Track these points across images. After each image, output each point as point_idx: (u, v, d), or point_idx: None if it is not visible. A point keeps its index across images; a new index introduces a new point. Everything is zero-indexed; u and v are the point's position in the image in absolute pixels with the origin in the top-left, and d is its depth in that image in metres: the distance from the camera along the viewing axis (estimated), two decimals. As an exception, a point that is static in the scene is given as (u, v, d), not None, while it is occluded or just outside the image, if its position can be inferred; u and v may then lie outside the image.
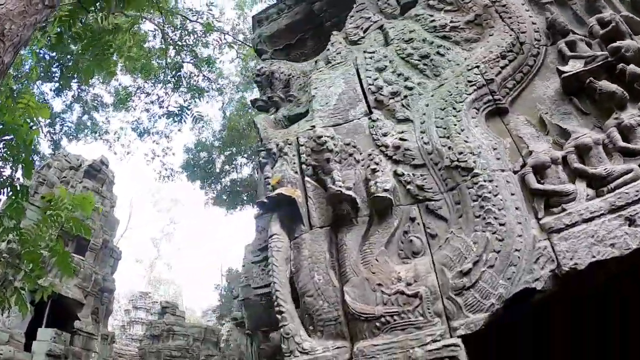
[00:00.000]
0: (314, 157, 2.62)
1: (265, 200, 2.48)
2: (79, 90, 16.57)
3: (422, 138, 2.66)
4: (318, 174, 2.61)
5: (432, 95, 2.84)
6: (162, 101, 16.08)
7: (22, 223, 4.95)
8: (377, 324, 2.17)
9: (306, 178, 2.61)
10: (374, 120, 2.87)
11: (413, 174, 2.57)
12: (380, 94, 2.96)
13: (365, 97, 3.03)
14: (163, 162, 19.07)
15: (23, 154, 4.38)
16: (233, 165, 21.74)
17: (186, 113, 9.71)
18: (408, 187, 2.54)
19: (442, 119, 2.70)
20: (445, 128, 2.66)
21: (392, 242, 2.42)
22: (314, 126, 2.77)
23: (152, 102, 15.91)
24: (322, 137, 2.66)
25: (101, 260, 15.77)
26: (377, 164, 2.59)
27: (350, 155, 2.66)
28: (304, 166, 2.69)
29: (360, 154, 2.71)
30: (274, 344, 4.22)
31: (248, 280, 4.19)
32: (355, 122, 2.87)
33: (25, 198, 4.62)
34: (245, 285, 4.13)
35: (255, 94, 24.29)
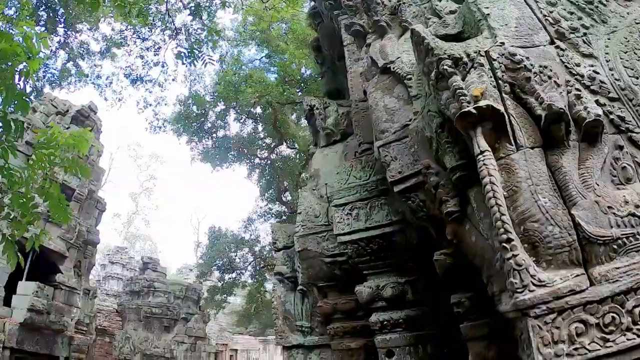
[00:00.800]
0: (510, 75, 2.27)
1: (474, 111, 1.96)
2: (65, 36, 15.26)
3: (612, 74, 2.42)
4: (516, 92, 2.28)
5: (609, 39, 2.61)
6: (159, 48, 14.92)
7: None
8: (614, 246, 2.01)
9: (504, 95, 2.07)
10: (562, 49, 2.38)
11: (612, 106, 2.34)
12: (560, 27, 2.65)
13: (544, 27, 2.56)
14: (155, 112, 18.01)
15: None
16: (225, 121, 20.77)
17: (197, 54, 8.71)
18: (610, 117, 2.33)
19: (628, 61, 2.50)
20: (632, 69, 2.45)
21: (603, 168, 2.23)
22: (503, 43, 2.21)
23: (147, 49, 14.72)
24: (516, 55, 2.30)
25: (86, 211, 14.83)
26: (579, 90, 2.30)
27: (550, 78, 2.28)
28: (500, 82, 2.27)
29: (558, 78, 2.29)
30: (334, 301, 3.62)
31: (310, 229, 3.55)
32: (542, 48, 2.51)
33: (20, 135, 4.10)
34: (305, 235, 3.49)
35: (252, 50, 23.05)
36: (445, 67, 2.22)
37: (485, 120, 2.17)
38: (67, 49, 15.70)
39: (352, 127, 4.53)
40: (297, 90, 18.90)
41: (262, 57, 21.01)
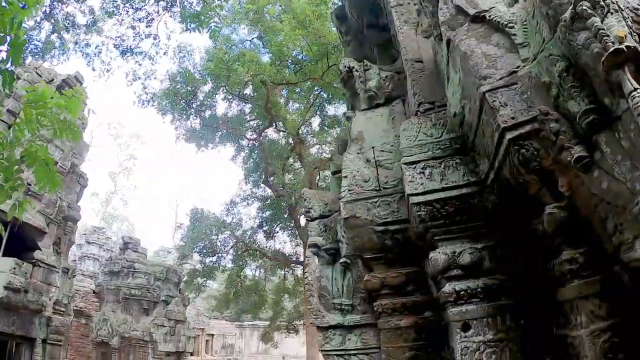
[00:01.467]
0: (636, 27, 2.00)
1: (625, 49, 1.66)
2: (51, 6, 14.44)
3: None
4: (640, 45, 1.99)
5: None
6: (151, 19, 14.24)
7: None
8: None
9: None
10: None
11: None
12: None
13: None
14: (144, 85, 17.30)
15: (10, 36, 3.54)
16: (214, 100, 20.16)
17: (203, 19, 8.15)
18: None
19: None
20: None
21: None
22: (627, -5, 1.93)
23: (139, 20, 14.02)
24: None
25: (67, 185, 14.10)
26: None
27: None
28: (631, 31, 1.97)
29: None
30: (382, 275, 3.31)
31: (359, 194, 3.23)
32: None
33: (9, 86, 3.82)
34: (353, 201, 3.16)
35: (245, 31, 22.38)
36: (584, 7, 1.94)
37: (629, 62, 1.89)
38: (52, 20, 14.87)
39: (397, 91, 4.27)
40: (292, 72, 18.39)
41: (254, 38, 20.43)
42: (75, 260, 26.20)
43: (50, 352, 13.17)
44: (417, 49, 3.83)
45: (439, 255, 2.84)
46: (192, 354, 25.19)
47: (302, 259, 29.62)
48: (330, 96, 25.54)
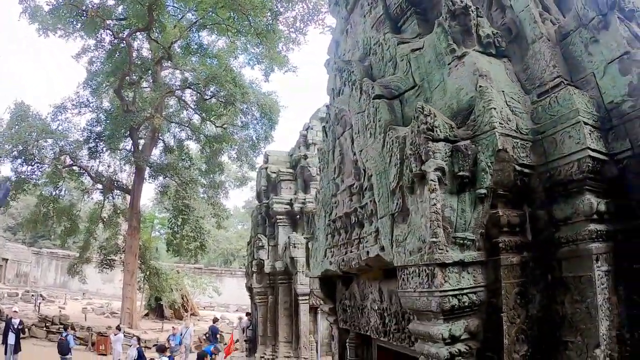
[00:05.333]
0: None
1: None
2: None
3: None
4: None
5: None
6: None
7: None
8: None
9: None
10: None
11: None
12: None
13: None
14: None
15: None
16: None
17: None
18: None
19: None
20: None
21: None
22: None
23: None
24: None
25: None
26: None
27: None
28: None
29: None
30: (507, 213, 3.36)
31: (509, 131, 3.28)
32: None
33: None
34: (505, 135, 3.12)
35: None
36: None
37: None
38: None
39: (504, 51, 4.17)
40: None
41: None
42: None
43: None
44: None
45: (583, 203, 3.17)
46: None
47: (130, 187, 27.06)
48: (212, 26, 23.45)
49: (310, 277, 6.74)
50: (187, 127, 27.72)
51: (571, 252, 3.25)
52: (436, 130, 3.33)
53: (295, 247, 14.38)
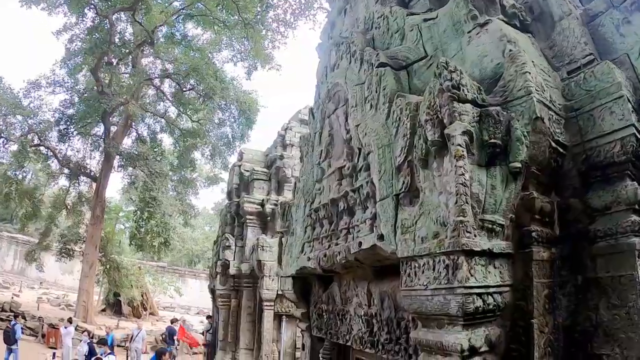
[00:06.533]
0: None
1: None
2: None
3: None
4: None
5: None
6: None
7: None
8: None
9: None
10: None
11: None
12: None
13: None
14: None
15: None
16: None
17: None
18: None
19: None
20: None
21: None
22: None
23: None
24: None
25: None
26: None
27: None
28: None
29: None
30: (540, 197, 2.85)
31: (544, 99, 2.76)
32: None
33: None
34: (540, 102, 2.66)
35: None
36: None
37: None
38: None
39: (528, 27, 3.76)
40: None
41: None
42: None
43: None
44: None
45: (626, 189, 2.72)
46: None
47: (97, 174, 25.81)
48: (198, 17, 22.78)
49: (282, 277, 5.99)
50: (163, 118, 26.67)
51: (609, 247, 2.76)
52: (463, 89, 2.75)
53: (263, 249, 13.62)
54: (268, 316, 13.43)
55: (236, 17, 20.49)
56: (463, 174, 2.48)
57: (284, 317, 13.45)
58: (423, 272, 2.66)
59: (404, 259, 2.87)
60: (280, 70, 23.94)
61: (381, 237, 3.21)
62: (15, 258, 34.00)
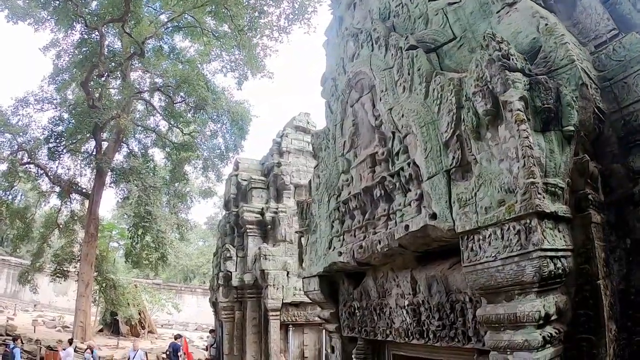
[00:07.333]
0: None
1: None
2: None
3: None
4: None
5: None
6: None
7: None
8: None
9: None
10: None
11: None
12: None
13: None
14: None
15: None
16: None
17: None
18: None
19: None
20: None
21: None
22: None
23: None
24: None
25: None
26: None
27: None
28: None
29: None
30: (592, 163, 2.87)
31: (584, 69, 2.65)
32: None
33: None
34: (585, 72, 2.59)
35: None
36: None
37: None
38: None
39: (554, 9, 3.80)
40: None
41: None
42: None
43: None
44: None
45: None
46: None
47: (89, 191, 25.42)
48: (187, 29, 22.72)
49: (305, 277, 5.83)
50: (154, 131, 26.47)
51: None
52: (512, 59, 2.78)
53: (266, 258, 13.48)
54: (274, 326, 13.22)
55: (226, 27, 20.47)
56: (528, 137, 2.50)
57: (290, 326, 13.28)
58: (490, 243, 2.65)
59: (464, 234, 2.86)
60: (273, 78, 23.94)
61: (433, 216, 3.18)
62: (8, 281, 33.28)
